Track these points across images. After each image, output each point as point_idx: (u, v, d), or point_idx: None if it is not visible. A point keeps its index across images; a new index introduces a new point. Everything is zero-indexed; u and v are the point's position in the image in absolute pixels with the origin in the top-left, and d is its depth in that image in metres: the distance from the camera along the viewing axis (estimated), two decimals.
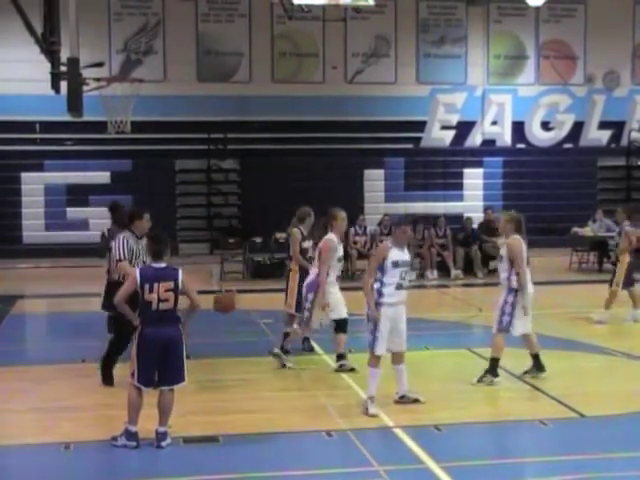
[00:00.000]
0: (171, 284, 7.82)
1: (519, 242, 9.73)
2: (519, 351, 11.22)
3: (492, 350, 9.90)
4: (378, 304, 8.74)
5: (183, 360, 7.91)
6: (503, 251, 9.85)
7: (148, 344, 7.75)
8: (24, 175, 23.24)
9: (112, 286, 9.42)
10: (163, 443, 7.76)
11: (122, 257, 9.53)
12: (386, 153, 24.57)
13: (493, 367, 9.84)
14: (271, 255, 19.47)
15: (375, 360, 8.81)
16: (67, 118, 14.01)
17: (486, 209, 21.29)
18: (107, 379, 9.77)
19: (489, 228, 20.07)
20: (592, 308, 15.24)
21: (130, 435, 7.76)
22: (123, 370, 9.01)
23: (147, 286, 7.77)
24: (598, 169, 25.70)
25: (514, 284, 9.72)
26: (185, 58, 23.83)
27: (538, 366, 10.07)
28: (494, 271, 19.34)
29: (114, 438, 7.80)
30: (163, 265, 7.92)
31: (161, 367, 7.81)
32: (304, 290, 10.62)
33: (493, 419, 8.65)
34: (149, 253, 8.09)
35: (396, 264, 8.88)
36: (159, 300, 7.76)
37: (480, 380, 9.75)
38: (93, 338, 11.24)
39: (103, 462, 7.58)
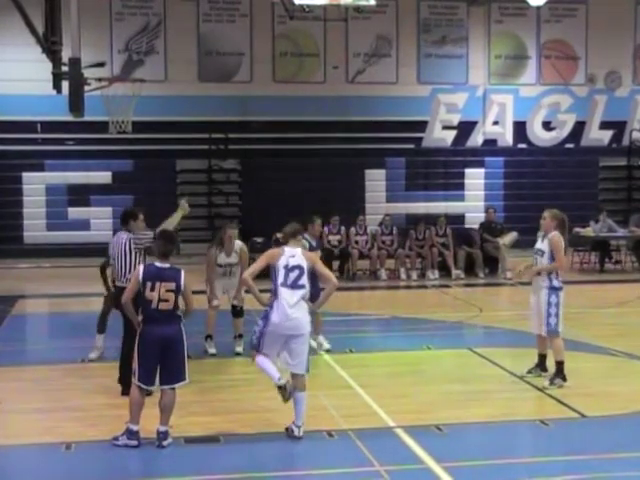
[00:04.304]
0: (172, 285, 7.84)
1: (560, 236, 9.80)
2: (519, 351, 11.23)
3: (555, 354, 9.81)
4: None
5: (184, 359, 7.92)
6: (544, 245, 9.86)
7: (148, 343, 7.77)
8: (25, 175, 23.24)
9: (121, 290, 9.41)
10: (164, 443, 7.76)
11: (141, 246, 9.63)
12: (387, 153, 24.55)
13: (560, 370, 9.75)
14: None
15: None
16: (68, 118, 14.03)
17: (488, 209, 21.27)
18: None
19: (491, 228, 20.07)
20: (593, 309, 15.25)
21: (131, 434, 7.76)
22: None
23: (149, 284, 7.81)
24: (599, 169, 25.68)
25: (555, 283, 9.77)
26: (186, 58, 23.83)
27: (543, 367, 10.08)
28: (495, 271, 19.43)
29: (115, 438, 7.80)
30: (167, 265, 7.95)
31: (162, 366, 7.82)
32: None
33: (494, 419, 8.64)
34: (158, 252, 8.09)
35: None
36: (159, 300, 7.79)
37: (551, 383, 9.70)
38: (93, 338, 11.24)
39: (104, 462, 7.57)
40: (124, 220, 9.92)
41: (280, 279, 8.01)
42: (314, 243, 11.77)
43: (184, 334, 7.93)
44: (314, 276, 9.23)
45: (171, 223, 9.78)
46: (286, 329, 7.96)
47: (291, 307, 7.96)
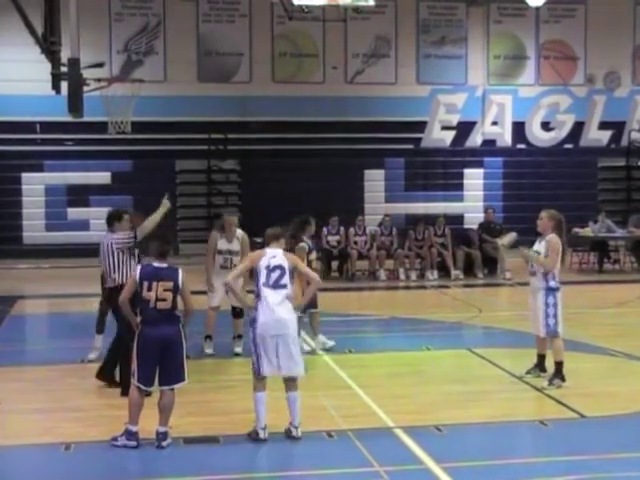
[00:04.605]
0: (170, 284, 7.85)
1: (558, 239, 9.79)
2: (519, 351, 11.23)
3: (554, 354, 9.79)
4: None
5: (183, 359, 7.92)
6: (541, 247, 9.86)
7: (147, 343, 7.76)
8: (24, 175, 23.25)
9: (109, 291, 9.72)
10: (164, 443, 7.76)
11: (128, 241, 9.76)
12: (386, 153, 24.56)
13: (559, 370, 9.73)
14: None
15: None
16: (68, 118, 14.03)
17: (487, 209, 21.28)
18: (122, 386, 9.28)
19: (490, 228, 20.07)
20: (592, 309, 15.26)
21: (130, 435, 7.76)
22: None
23: (146, 284, 7.81)
24: (598, 169, 25.69)
25: (552, 284, 9.76)
26: (185, 58, 23.84)
27: (542, 367, 10.09)
28: (494, 272, 19.45)
29: (114, 438, 7.80)
30: (165, 265, 7.97)
31: (161, 367, 7.82)
32: None
33: (493, 419, 8.64)
34: (155, 252, 8.10)
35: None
36: (157, 299, 7.79)
37: (550, 383, 9.68)
38: (92, 339, 11.24)
39: (103, 462, 7.57)
40: (108, 222, 10.04)
41: (262, 279, 8.07)
42: (311, 245, 11.78)
43: (183, 335, 7.93)
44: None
45: (153, 220, 9.85)
46: (273, 329, 7.98)
47: (275, 307, 8.00)
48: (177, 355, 7.86)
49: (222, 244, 11.73)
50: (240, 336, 11.50)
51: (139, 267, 8.11)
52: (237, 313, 11.65)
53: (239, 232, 11.79)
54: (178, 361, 7.87)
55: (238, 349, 11.45)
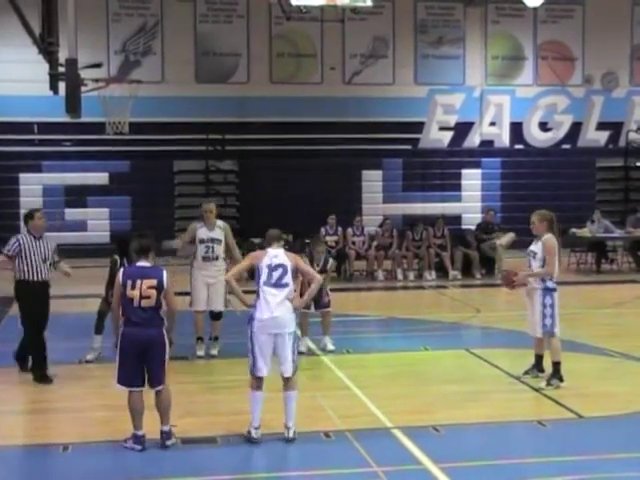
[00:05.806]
0: (154, 282, 7.80)
1: (554, 240, 9.80)
2: (517, 351, 11.23)
3: (552, 354, 9.79)
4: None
5: (165, 362, 7.85)
6: (537, 248, 9.86)
7: (129, 344, 7.71)
8: (22, 176, 23.24)
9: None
10: (168, 442, 7.73)
11: (5, 251, 10.46)
12: (384, 154, 24.59)
13: (557, 371, 9.72)
14: None
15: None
16: (65, 119, 14.03)
17: (488, 210, 21.26)
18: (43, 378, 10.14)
19: (488, 229, 20.07)
20: (590, 309, 15.26)
21: (137, 438, 7.74)
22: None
23: (129, 282, 7.78)
24: (596, 170, 25.72)
25: (549, 284, 9.76)
26: (183, 59, 23.85)
27: (539, 367, 10.09)
28: (491, 272, 19.44)
29: (125, 440, 7.79)
30: (148, 264, 7.94)
31: (148, 368, 7.77)
32: None
33: (491, 420, 8.64)
34: (135, 250, 8.08)
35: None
36: (141, 297, 7.75)
37: (548, 384, 9.67)
38: (90, 339, 11.24)
39: (101, 463, 7.56)
40: (24, 222, 10.65)
41: (263, 278, 8.07)
42: (319, 264, 11.65)
43: (166, 337, 7.88)
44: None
45: None
46: (271, 327, 7.98)
47: (275, 305, 7.99)
48: (160, 357, 7.79)
49: (203, 233, 11.46)
50: (217, 338, 11.49)
51: (122, 270, 8.10)
52: (215, 315, 11.57)
53: (220, 222, 11.61)
54: (161, 363, 7.81)
55: (214, 351, 11.40)
